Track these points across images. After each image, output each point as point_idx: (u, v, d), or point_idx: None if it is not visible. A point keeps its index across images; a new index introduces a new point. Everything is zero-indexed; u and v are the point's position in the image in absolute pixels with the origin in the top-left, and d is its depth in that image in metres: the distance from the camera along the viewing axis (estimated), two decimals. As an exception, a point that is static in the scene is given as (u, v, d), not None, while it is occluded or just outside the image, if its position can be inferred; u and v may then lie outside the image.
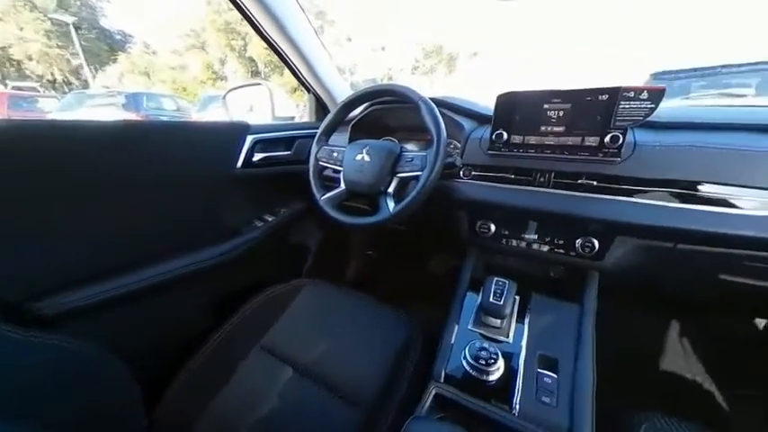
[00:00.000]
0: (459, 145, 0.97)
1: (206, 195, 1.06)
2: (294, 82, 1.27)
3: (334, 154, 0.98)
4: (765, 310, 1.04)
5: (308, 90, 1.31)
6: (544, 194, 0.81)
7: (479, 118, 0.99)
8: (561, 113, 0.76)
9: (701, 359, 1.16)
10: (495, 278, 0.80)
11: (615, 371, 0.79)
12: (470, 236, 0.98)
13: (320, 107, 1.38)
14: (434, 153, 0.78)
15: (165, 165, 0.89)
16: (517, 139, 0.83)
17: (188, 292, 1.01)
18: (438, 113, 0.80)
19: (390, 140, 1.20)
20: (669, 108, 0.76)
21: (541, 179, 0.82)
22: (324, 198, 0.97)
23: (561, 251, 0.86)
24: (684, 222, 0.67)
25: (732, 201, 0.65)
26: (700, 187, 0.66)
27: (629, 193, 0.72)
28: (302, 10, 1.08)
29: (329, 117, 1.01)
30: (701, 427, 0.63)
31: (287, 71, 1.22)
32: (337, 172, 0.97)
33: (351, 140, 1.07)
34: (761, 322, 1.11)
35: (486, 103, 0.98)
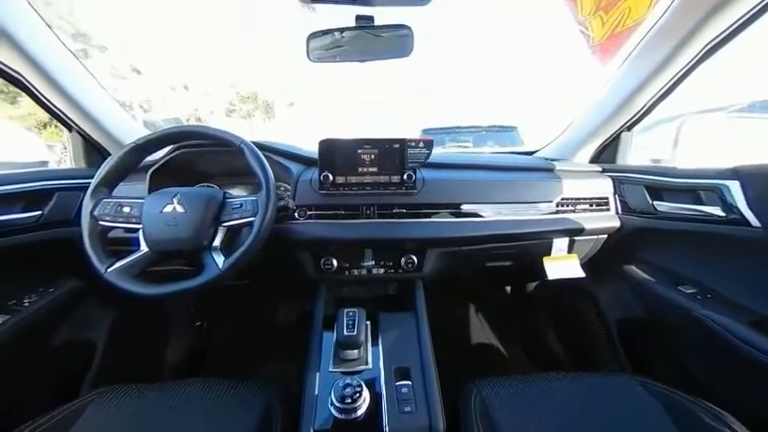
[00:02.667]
0: (289, 187, 0.98)
1: None
2: (40, 114, 0.91)
3: (125, 209, 0.75)
4: (510, 281, 1.61)
5: (69, 128, 0.97)
6: (372, 224, 0.95)
7: (304, 161, 1.04)
8: (373, 157, 0.93)
9: (488, 324, 1.65)
10: (346, 309, 0.83)
11: (449, 354, 0.97)
12: (317, 273, 0.99)
13: (92, 150, 1.04)
14: (266, 196, 0.74)
15: None
16: (341, 179, 0.93)
17: None
18: (263, 156, 0.79)
19: (209, 186, 1.05)
20: (435, 154, 1.08)
21: (368, 212, 0.95)
22: (113, 269, 0.71)
23: (392, 270, 1.01)
24: (457, 231, 0.97)
25: (480, 213, 0.98)
26: (462, 206, 0.97)
27: (428, 216, 0.96)
28: (46, 25, 0.81)
29: (111, 162, 0.78)
30: (499, 379, 0.86)
31: (27, 100, 0.86)
32: (132, 231, 0.75)
33: (152, 190, 0.85)
34: (508, 289, 1.70)
35: (308, 148, 1.05)
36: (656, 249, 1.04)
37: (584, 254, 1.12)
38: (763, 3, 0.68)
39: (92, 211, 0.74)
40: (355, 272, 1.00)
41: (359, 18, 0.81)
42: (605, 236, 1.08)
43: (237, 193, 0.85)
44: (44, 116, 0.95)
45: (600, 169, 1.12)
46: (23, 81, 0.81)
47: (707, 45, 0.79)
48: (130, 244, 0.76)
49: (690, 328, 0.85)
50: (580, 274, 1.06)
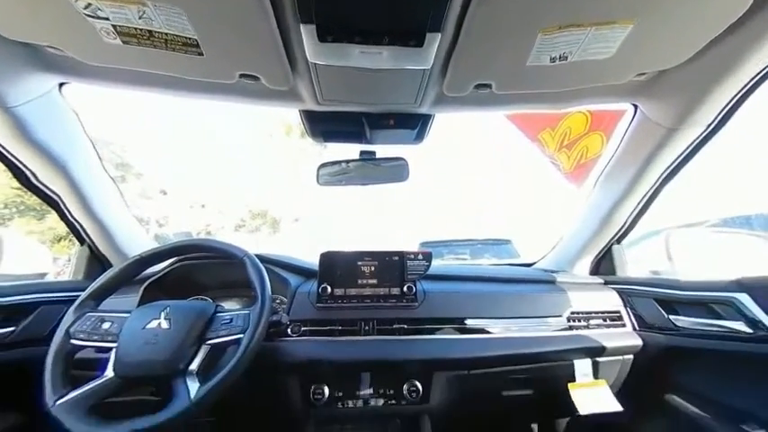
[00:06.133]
0: (285, 300, 0.94)
1: None
2: (60, 228, 0.96)
3: (105, 325, 0.70)
4: (535, 416, 1.34)
5: (82, 241, 1.01)
6: (370, 342, 0.86)
7: (305, 273, 1.03)
8: (372, 268, 0.93)
9: None
10: None
11: None
12: (304, 406, 0.84)
13: (96, 262, 1.05)
14: (259, 309, 0.71)
15: None
16: (339, 291, 0.91)
17: None
18: (263, 268, 0.79)
19: (202, 299, 1.01)
20: (435, 266, 1.08)
21: (366, 327, 0.88)
22: (64, 401, 0.61)
23: (393, 401, 0.86)
24: (464, 351, 0.87)
25: (487, 329, 0.91)
26: (467, 321, 0.91)
27: (431, 332, 0.89)
28: (99, 157, 0.95)
29: (110, 273, 0.77)
30: None
31: (54, 216, 0.93)
32: (104, 351, 0.67)
33: (142, 303, 0.82)
34: (535, 428, 1.40)
35: (309, 260, 1.06)
36: (693, 374, 0.91)
37: (614, 380, 0.98)
38: (696, 143, 0.82)
39: (69, 327, 0.69)
40: (350, 403, 0.85)
41: (363, 152, 0.96)
42: (631, 356, 0.97)
43: (230, 306, 0.80)
44: (62, 231, 1.01)
45: (602, 281, 1.10)
46: (59, 202, 0.89)
47: (660, 176, 0.91)
48: (96, 368, 0.67)
49: None
50: (615, 406, 0.89)
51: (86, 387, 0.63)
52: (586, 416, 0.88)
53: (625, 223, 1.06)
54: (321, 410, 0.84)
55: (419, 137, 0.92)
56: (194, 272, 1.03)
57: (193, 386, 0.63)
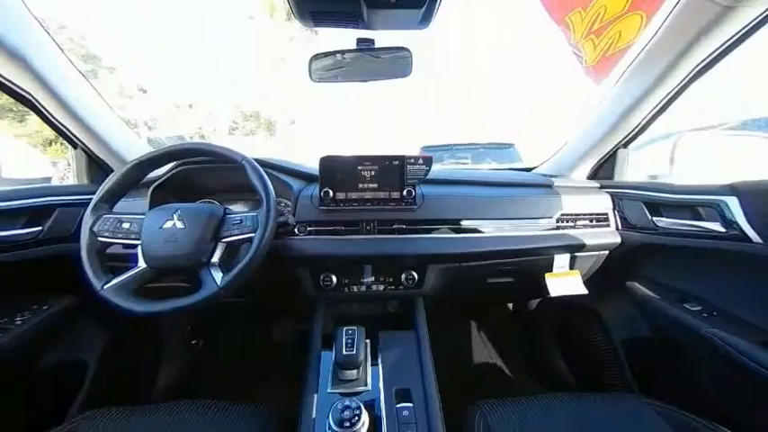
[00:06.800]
0: (289, 203, 0.98)
1: None
2: (47, 132, 0.93)
3: (125, 225, 0.75)
4: (512, 298, 1.59)
5: (74, 145, 0.98)
6: (372, 240, 0.94)
7: (306, 177, 1.05)
8: (373, 173, 0.93)
9: (490, 343, 1.61)
10: (345, 328, 0.81)
11: (451, 374, 0.94)
12: (316, 291, 0.98)
13: (96, 166, 1.05)
14: (266, 212, 0.75)
15: None
16: (341, 195, 0.94)
17: None
18: (263, 173, 0.79)
19: (210, 202, 1.06)
20: (434, 170, 1.08)
21: (368, 227, 0.95)
22: (109, 286, 0.70)
23: (392, 287, 0.99)
24: (458, 247, 0.96)
25: (480, 228, 0.98)
26: (462, 222, 0.97)
27: (428, 231, 0.96)
28: (59, 47, 0.84)
29: (114, 177, 0.79)
30: (503, 400, 0.83)
31: (35, 119, 0.88)
32: (131, 247, 0.74)
33: (152, 206, 0.86)
34: (510, 306, 1.67)
35: (310, 164, 1.06)
36: (658, 265, 1.03)
37: (586, 270, 1.11)
38: (751, 25, 0.71)
39: (91, 227, 0.74)
40: (355, 288, 0.99)
41: (360, 41, 0.83)
42: (606, 252, 1.07)
43: (238, 209, 0.85)
44: (50, 134, 0.97)
45: (598, 185, 1.13)
46: (33, 101, 0.83)
47: (698, 65, 0.81)
48: (128, 260, 0.76)
49: (697, 346, 0.83)
50: (582, 290, 1.04)
51: (126, 275, 0.72)
52: (555, 296, 1.04)
53: (638, 125, 1.01)
54: (330, 293, 0.98)
55: (425, 19, 0.78)
56: (198, 176, 1.04)
57: (218, 275, 0.73)
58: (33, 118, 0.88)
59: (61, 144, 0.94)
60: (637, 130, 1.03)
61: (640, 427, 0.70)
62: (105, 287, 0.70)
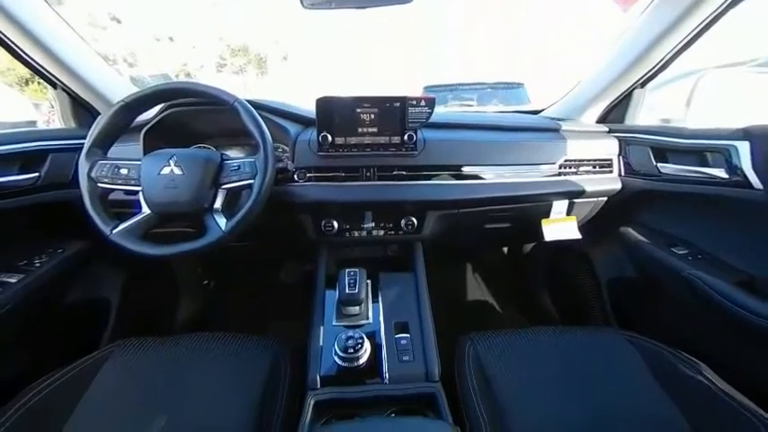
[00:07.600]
0: (286, 148, 0.96)
1: None
2: (21, 69, 0.86)
3: (123, 171, 0.74)
4: (507, 242, 1.64)
5: (54, 85, 0.92)
6: (372, 187, 0.94)
7: (302, 121, 1.00)
8: (372, 116, 0.89)
9: (484, 283, 1.72)
10: (347, 270, 0.86)
11: (446, 311, 1.02)
12: (318, 236, 1.01)
13: (81, 108, 1.00)
14: (264, 158, 0.73)
15: None
16: (340, 140, 0.90)
17: None
18: (258, 116, 0.76)
19: (205, 148, 1.03)
20: (436, 113, 1.03)
21: (368, 174, 0.94)
22: (118, 231, 0.72)
23: (392, 232, 1.02)
24: (457, 194, 0.96)
25: (481, 175, 0.97)
26: (463, 168, 0.95)
27: (429, 178, 0.95)
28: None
29: (102, 121, 0.75)
30: (492, 332, 0.91)
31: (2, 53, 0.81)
32: (133, 193, 0.74)
33: (146, 151, 0.84)
34: (505, 250, 1.74)
35: (305, 106, 1.01)
36: (654, 212, 1.04)
37: (583, 216, 1.12)
38: None
39: (89, 173, 0.73)
40: (356, 233, 1.01)
41: (356, -44, 0.73)
42: (605, 198, 1.08)
43: (234, 155, 0.83)
44: (24, 71, 0.90)
45: (607, 129, 1.08)
46: (1, 36, 0.75)
47: None
48: (131, 206, 0.76)
49: (677, 286, 0.88)
50: (576, 235, 1.07)
51: (132, 220, 0.74)
52: (549, 241, 1.07)
53: (661, 60, 0.93)
54: (332, 238, 1.01)
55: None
56: (190, 120, 0.99)
57: (221, 220, 0.74)
58: (2, 53, 0.81)
59: (38, 84, 0.87)
60: (658, 66, 0.95)
61: (611, 354, 0.79)
62: (114, 232, 0.72)
